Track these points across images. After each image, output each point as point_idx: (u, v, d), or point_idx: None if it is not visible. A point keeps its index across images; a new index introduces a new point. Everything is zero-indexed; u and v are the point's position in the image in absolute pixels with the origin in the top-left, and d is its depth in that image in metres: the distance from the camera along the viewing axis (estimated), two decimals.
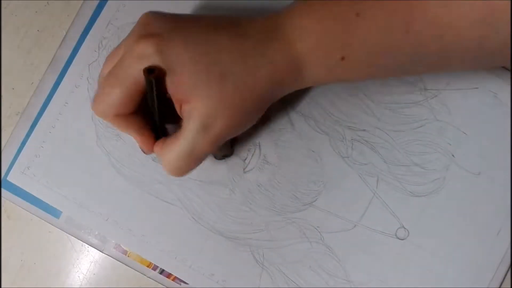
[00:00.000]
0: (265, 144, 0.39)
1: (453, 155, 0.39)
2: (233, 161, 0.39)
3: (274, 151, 0.39)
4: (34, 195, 0.40)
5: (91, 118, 0.40)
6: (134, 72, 0.29)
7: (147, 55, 0.29)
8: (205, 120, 0.29)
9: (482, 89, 0.39)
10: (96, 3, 0.40)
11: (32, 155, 0.40)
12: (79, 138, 0.40)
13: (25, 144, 0.40)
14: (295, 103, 0.39)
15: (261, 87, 0.30)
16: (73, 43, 0.40)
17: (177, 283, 0.39)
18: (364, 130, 0.39)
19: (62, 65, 0.40)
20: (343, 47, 0.30)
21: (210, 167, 0.39)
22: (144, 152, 0.34)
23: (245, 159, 0.39)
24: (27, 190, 0.40)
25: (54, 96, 0.40)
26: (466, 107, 0.39)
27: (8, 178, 0.40)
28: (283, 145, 0.39)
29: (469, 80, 0.39)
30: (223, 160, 0.39)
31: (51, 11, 0.41)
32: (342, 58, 0.30)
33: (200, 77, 0.29)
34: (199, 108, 0.29)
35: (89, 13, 0.40)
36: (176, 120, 0.33)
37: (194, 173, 0.39)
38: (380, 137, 0.39)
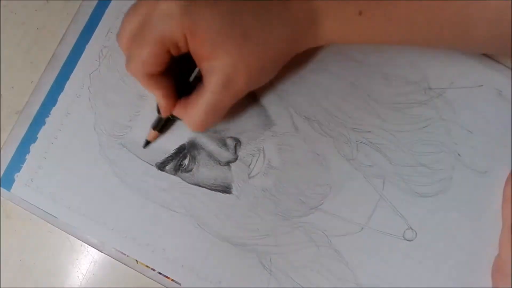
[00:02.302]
0: (269, 149, 0.39)
1: (459, 154, 0.38)
2: (238, 166, 0.39)
3: (278, 155, 0.39)
4: (38, 206, 0.39)
5: (93, 127, 0.40)
6: (160, 32, 0.30)
7: (172, 14, 0.30)
8: (227, 76, 0.31)
9: (486, 87, 0.39)
10: (95, 2, 0.40)
11: (35, 166, 0.40)
12: (82, 148, 0.40)
13: (24, 143, 0.40)
14: (298, 106, 0.39)
15: (280, 45, 0.32)
16: (73, 42, 0.40)
17: (177, 283, 0.39)
18: (369, 131, 0.39)
19: (62, 63, 0.40)
20: (361, 1, 0.31)
21: (214, 173, 0.39)
22: (160, 114, 0.35)
23: (250, 165, 0.39)
24: (31, 202, 0.40)
25: (55, 106, 0.40)
26: (471, 105, 0.39)
27: (11, 191, 0.40)
28: (288, 149, 0.39)
29: (474, 78, 0.39)
30: (228, 166, 0.39)
31: (51, 10, 0.41)
32: (360, 13, 0.31)
33: (222, 36, 0.30)
34: (221, 64, 0.31)
35: (88, 11, 0.40)
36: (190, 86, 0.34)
37: (199, 180, 0.39)
38: (385, 138, 0.39)
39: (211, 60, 0.31)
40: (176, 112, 0.35)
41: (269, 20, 0.31)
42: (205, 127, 0.34)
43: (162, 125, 0.38)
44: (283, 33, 0.32)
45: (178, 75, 0.35)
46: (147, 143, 0.39)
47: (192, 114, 0.33)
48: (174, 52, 0.32)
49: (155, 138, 0.39)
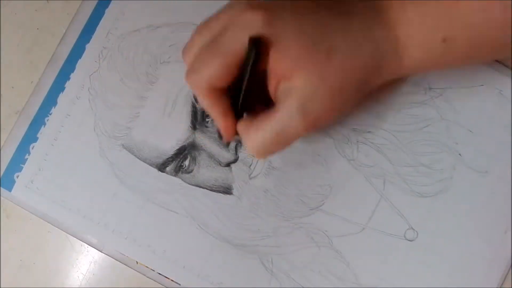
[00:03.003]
0: None
1: (460, 154, 0.38)
2: (238, 167, 0.39)
3: (279, 156, 0.39)
4: (39, 208, 0.39)
5: (93, 129, 0.40)
6: (238, 42, 0.28)
7: (255, 26, 0.28)
8: (304, 101, 0.28)
9: (487, 86, 0.38)
10: (95, 2, 0.40)
11: (35, 168, 0.40)
12: (82, 149, 0.39)
13: (24, 143, 0.40)
14: None
15: (361, 69, 0.29)
16: (73, 42, 0.40)
17: (176, 284, 0.39)
18: (369, 131, 0.39)
19: (62, 63, 0.40)
20: (445, 27, 0.30)
21: (215, 174, 0.39)
22: (221, 137, 0.33)
23: (250, 165, 0.39)
24: (32, 204, 0.40)
25: (55, 108, 0.40)
26: (472, 105, 0.38)
27: (12, 192, 0.40)
28: (288, 150, 0.39)
29: (474, 77, 0.39)
30: (228, 166, 0.39)
31: (51, 10, 0.41)
32: (444, 40, 0.30)
33: (307, 51, 0.28)
34: (300, 87, 0.28)
35: (88, 11, 0.40)
36: (254, 106, 0.31)
37: (199, 181, 0.39)
38: (385, 138, 0.39)
39: (290, 79, 0.28)
40: (239, 131, 0.31)
41: (354, 39, 0.29)
42: (266, 155, 0.31)
43: None
44: (366, 56, 0.29)
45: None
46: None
47: (255, 139, 0.30)
48: None
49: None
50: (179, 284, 0.39)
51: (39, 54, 0.41)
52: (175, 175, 0.39)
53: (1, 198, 0.40)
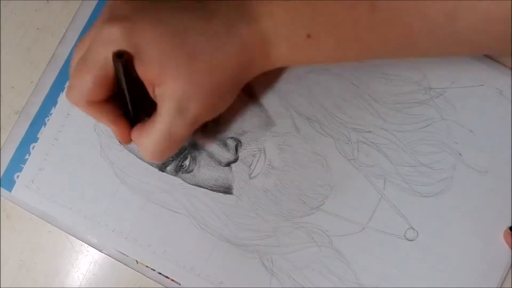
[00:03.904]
0: (270, 149, 0.39)
1: (460, 154, 0.38)
2: (238, 167, 0.39)
3: (279, 155, 0.39)
4: (39, 208, 0.39)
5: (93, 128, 0.40)
6: (102, 58, 0.28)
7: (114, 39, 0.28)
8: (179, 103, 0.29)
9: (487, 86, 0.39)
10: (95, 2, 0.40)
11: (36, 168, 0.40)
12: (82, 149, 0.39)
13: (24, 143, 0.40)
14: (299, 106, 0.39)
15: (231, 66, 0.30)
16: (73, 41, 0.40)
17: (176, 283, 0.39)
18: (369, 131, 0.39)
19: (62, 63, 0.40)
20: (309, 24, 0.30)
21: (215, 174, 0.39)
22: (121, 142, 0.33)
23: (250, 165, 0.39)
24: (32, 204, 0.40)
25: (55, 108, 0.40)
26: (472, 105, 0.39)
27: (12, 192, 0.40)
28: (288, 149, 0.39)
29: (474, 77, 0.39)
30: (228, 166, 0.39)
31: (51, 9, 0.41)
32: (308, 36, 0.30)
33: (169, 58, 0.28)
34: (171, 90, 0.29)
35: (88, 11, 0.40)
36: (151, 107, 0.32)
37: (200, 181, 0.39)
38: (386, 138, 0.39)
39: (161, 85, 0.29)
40: (133, 138, 0.33)
41: (218, 39, 0.29)
42: (160, 158, 0.32)
43: None
44: (231, 53, 0.30)
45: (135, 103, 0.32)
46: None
47: (146, 143, 0.31)
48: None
49: None
50: (179, 284, 0.39)
51: (39, 54, 0.41)
52: (175, 175, 0.39)
53: (1, 198, 0.40)
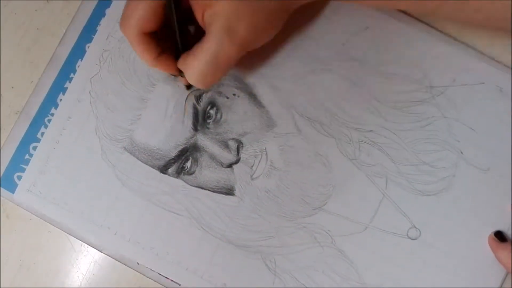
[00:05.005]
0: (272, 150, 0.39)
1: (461, 152, 0.38)
2: (240, 168, 0.39)
3: (280, 156, 0.39)
4: (41, 211, 0.39)
5: (95, 131, 0.39)
6: None
7: None
8: (229, 23, 0.30)
9: (487, 84, 0.38)
10: (95, 2, 0.40)
11: (37, 172, 0.40)
12: (84, 152, 0.39)
13: (24, 143, 0.40)
14: (300, 107, 0.39)
15: None
16: (73, 42, 0.40)
17: (176, 283, 0.39)
18: (371, 131, 0.39)
19: (62, 63, 0.40)
20: None
21: (217, 175, 0.39)
22: (173, 74, 0.35)
23: (252, 166, 0.39)
24: (34, 207, 0.39)
25: (57, 110, 0.40)
26: (473, 102, 0.38)
27: (14, 196, 0.40)
28: (290, 150, 0.39)
29: (475, 75, 0.39)
30: (230, 167, 0.39)
31: (51, 10, 0.41)
32: None
33: None
34: (222, 10, 0.30)
35: (88, 12, 0.40)
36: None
37: (201, 182, 0.39)
38: (387, 137, 0.39)
39: (212, 7, 0.30)
40: (179, 66, 0.33)
41: None
42: (207, 82, 0.32)
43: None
44: None
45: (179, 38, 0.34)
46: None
47: (193, 65, 0.31)
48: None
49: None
50: (179, 284, 0.39)
51: (39, 54, 0.41)
52: (177, 177, 0.39)
53: (1, 198, 0.40)
